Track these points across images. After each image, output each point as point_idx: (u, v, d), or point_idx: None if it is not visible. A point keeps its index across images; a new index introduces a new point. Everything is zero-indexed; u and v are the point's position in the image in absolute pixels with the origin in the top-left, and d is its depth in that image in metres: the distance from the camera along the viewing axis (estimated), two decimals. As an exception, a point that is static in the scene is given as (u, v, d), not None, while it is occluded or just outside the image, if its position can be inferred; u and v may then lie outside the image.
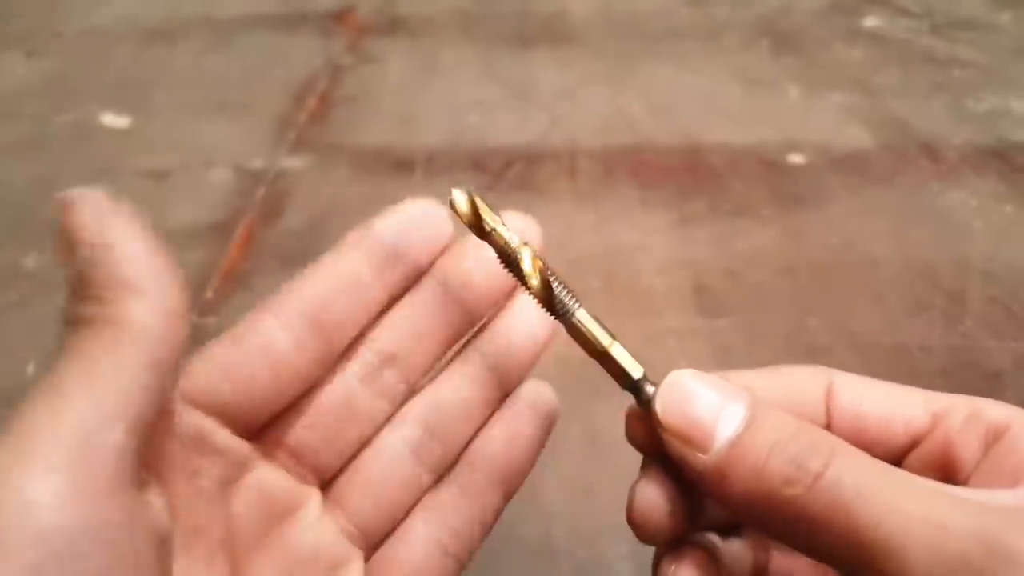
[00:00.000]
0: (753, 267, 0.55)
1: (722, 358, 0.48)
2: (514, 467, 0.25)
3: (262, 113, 0.76)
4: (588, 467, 0.41)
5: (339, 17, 0.97)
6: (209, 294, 0.54)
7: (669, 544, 0.23)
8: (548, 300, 0.22)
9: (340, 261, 0.24)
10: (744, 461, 0.19)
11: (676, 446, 0.20)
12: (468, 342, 0.25)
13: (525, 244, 0.22)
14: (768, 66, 0.83)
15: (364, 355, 0.24)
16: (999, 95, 0.76)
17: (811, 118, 0.73)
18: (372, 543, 0.24)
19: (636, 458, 0.40)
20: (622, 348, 0.22)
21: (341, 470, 0.24)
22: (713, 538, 0.24)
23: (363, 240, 0.24)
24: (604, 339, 0.22)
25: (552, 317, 0.22)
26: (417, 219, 0.24)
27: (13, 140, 0.72)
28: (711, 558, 0.23)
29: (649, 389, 0.22)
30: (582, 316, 0.22)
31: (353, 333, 0.24)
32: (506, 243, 0.22)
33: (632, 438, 0.23)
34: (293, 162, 0.68)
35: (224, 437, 0.22)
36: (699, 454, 0.19)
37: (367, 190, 0.64)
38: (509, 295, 0.25)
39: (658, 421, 0.20)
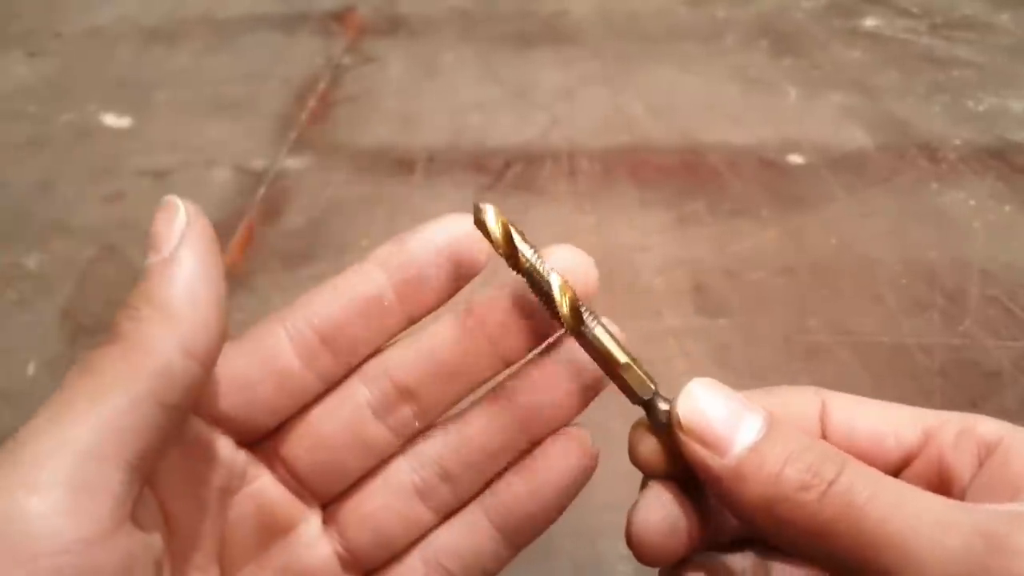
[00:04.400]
0: (752, 267, 0.55)
1: (721, 358, 0.49)
2: (528, 520, 0.24)
3: (263, 113, 0.76)
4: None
5: (339, 17, 0.97)
6: (209, 294, 0.54)
7: (669, 568, 0.23)
8: (564, 312, 0.21)
9: (363, 280, 0.22)
10: (762, 466, 0.20)
11: (695, 449, 0.21)
12: (499, 384, 0.24)
13: (547, 267, 0.21)
14: (767, 66, 0.83)
15: (380, 382, 0.23)
16: (998, 95, 0.76)
17: (810, 118, 0.73)
18: (366, 573, 0.24)
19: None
20: (635, 366, 0.22)
21: (344, 495, 0.23)
22: (714, 556, 0.24)
23: (392, 258, 0.22)
24: (620, 356, 0.22)
25: (565, 329, 0.22)
26: (455, 240, 0.22)
27: (14, 140, 0.72)
28: None
29: (662, 406, 0.22)
30: (599, 333, 0.22)
31: (366, 355, 0.23)
32: (527, 258, 0.21)
33: (635, 456, 0.23)
34: (293, 162, 0.68)
35: (226, 446, 0.22)
36: (717, 457, 0.20)
37: (367, 190, 0.64)
38: (547, 338, 0.23)
39: (679, 424, 0.21)
